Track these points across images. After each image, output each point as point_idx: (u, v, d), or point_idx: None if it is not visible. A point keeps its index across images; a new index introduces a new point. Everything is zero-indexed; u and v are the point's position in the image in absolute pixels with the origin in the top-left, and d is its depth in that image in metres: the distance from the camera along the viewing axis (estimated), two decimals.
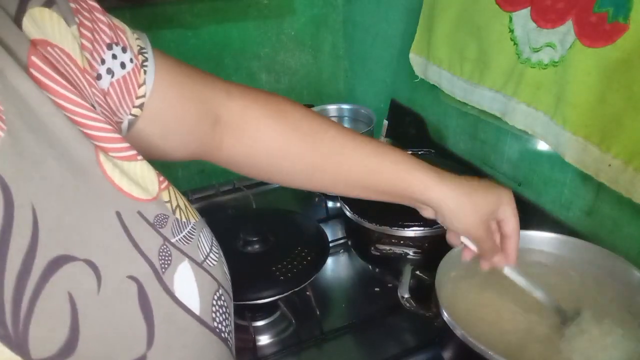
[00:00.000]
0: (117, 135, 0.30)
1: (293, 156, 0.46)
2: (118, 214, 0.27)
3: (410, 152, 0.88)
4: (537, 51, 0.64)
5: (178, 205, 0.34)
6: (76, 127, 0.28)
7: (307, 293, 0.72)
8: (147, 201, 0.30)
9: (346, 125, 1.09)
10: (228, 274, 0.37)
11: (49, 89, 0.27)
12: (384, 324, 0.71)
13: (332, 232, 0.90)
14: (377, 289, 0.77)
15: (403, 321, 0.71)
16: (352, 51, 1.24)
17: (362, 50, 1.18)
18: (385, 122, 1.09)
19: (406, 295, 0.61)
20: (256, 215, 0.93)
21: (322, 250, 0.75)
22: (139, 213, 0.29)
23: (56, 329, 0.22)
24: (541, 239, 0.64)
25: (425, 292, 0.60)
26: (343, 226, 0.89)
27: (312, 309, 0.71)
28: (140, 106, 0.38)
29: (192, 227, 0.34)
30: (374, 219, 0.72)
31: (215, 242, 0.37)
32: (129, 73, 0.36)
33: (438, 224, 0.69)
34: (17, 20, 0.28)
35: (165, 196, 0.33)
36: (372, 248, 0.73)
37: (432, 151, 0.91)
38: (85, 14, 0.34)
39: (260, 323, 0.72)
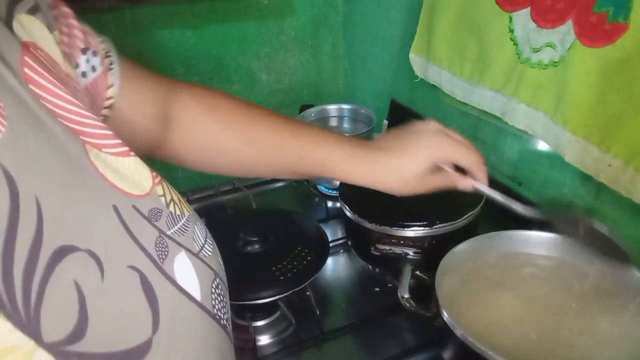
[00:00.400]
0: (110, 132, 0.31)
1: (225, 150, 0.50)
2: (115, 208, 0.28)
3: None
4: (537, 51, 0.64)
5: (172, 199, 0.34)
6: (67, 125, 0.28)
7: (307, 293, 0.72)
8: (140, 197, 0.31)
9: (346, 125, 1.09)
10: (222, 265, 0.38)
11: (43, 87, 0.28)
12: (384, 324, 0.71)
13: (332, 232, 0.89)
14: (377, 289, 0.77)
15: (403, 321, 0.71)
16: (352, 51, 1.24)
17: (362, 50, 1.18)
18: (385, 122, 1.09)
19: (406, 295, 0.61)
20: (256, 215, 0.93)
21: (322, 250, 0.75)
22: (134, 207, 0.30)
23: (66, 314, 0.23)
24: (541, 239, 0.64)
25: (425, 292, 0.60)
26: (343, 226, 0.89)
27: (312, 309, 0.71)
28: (110, 107, 0.40)
29: (186, 219, 0.34)
30: (374, 219, 0.72)
31: (209, 234, 0.37)
32: (99, 75, 0.39)
33: (438, 224, 0.70)
34: (8, 24, 0.29)
35: (159, 190, 0.33)
36: (372, 248, 0.73)
37: None
38: (62, 19, 0.36)
39: (260, 323, 0.72)
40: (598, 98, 0.56)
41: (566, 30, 0.59)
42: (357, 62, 1.23)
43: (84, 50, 0.37)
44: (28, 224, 0.22)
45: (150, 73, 0.46)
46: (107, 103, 0.40)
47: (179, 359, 0.27)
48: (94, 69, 0.38)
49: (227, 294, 0.37)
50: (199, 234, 0.35)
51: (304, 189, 1.05)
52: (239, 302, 0.69)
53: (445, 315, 0.53)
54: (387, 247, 0.72)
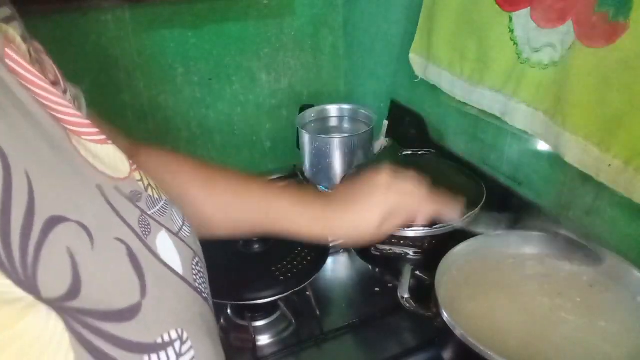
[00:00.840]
0: (87, 121, 0.32)
1: (192, 209, 0.49)
2: (99, 187, 0.29)
3: (410, 152, 0.90)
4: (537, 51, 0.64)
5: (149, 184, 0.36)
6: (49, 112, 0.29)
7: (307, 293, 0.72)
8: (121, 179, 0.32)
9: (346, 125, 1.09)
10: (200, 247, 0.39)
11: (25, 78, 0.29)
12: (384, 324, 0.71)
13: None
14: (377, 289, 0.77)
15: (403, 321, 0.71)
16: (352, 51, 1.24)
17: (362, 50, 1.18)
18: (385, 122, 1.09)
19: (406, 295, 0.61)
20: None
21: (322, 250, 0.75)
22: (116, 188, 0.31)
23: (61, 275, 0.24)
24: (541, 239, 0.64)
25: (425, 292, 0.60)
26: None
27: (312, 309, 0.71)
28: None
29: (164, 202, 0.36)
30: None
31: (186, 218, 0.38)
32: None
33: (438, 224, 0.70)
34: None
35: (137, 176, 0.35)
36: (372, 248, 0.73)
37: (432, 151, 0.91)
38: (36, 53, 0.36)
39: (260, 323, 0.72)
40: (598, 98, 0.56)
41: (566, 30, 0.59)
42: (357, 62, 1.23)
43: (53, 84, 0.36)
44: (21, 195, 0.23)
45: (113, 130, 0.45)
46: None
47: (167, 319, 0.29)
48: None
49: (207, 273, 0.39)
50: (176, 216, 0.36)
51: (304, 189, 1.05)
52: (239, 302, 0.69)
53: (445, 315, 0.53)
54: (387, 247, 0.72)
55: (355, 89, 1.27)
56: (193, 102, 1.16)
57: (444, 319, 0.53)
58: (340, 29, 1.23)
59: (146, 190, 0.34)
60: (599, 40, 0.55)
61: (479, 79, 0.76)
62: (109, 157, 0.32)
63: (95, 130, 0.32)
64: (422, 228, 0.69)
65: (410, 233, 0.70)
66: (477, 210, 0.70)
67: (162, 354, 0.27)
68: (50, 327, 0.23)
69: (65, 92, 0.38)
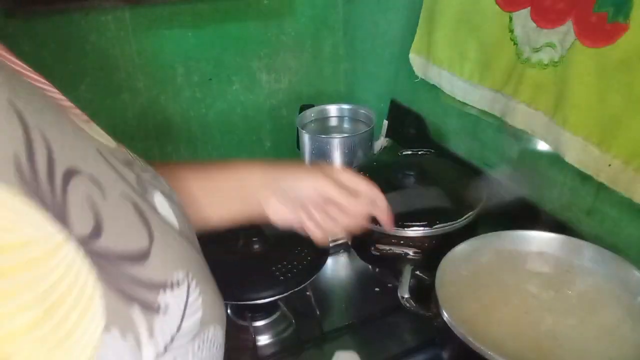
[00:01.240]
0: (75, 105, 0.34)
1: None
2: (99, 150, 0.31)
3: (410, 152, 0.90)
4: (537, 51, 0.64)
5: (135, 158, 0.38)
6: (44, 92, 0.31)
7: (307, 293, 0.72)
8: (113, 148, 0.35)
9: (346, 125, 1.09)
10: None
11: (16, 64, 0.30)
12: (384, 324, 0.71)
13: None
14: (377, 289, 0.77)
15: (403, 321, 0.71)
16: (352, 51, 1.24)
17: (362, 50, 1.18)
18: (385, 122, 1.09)
19: (406, 295, 0.61)
20: None
21: (322, 250, 0.75)
22: (112, 153, 0.33)
23: (85, 214, 0.26)
24: (541, 239, 0.64)
25: (425, 292, 0.60)
26: None
27: (312, 309, 0.71)
28: None
29: (152, 171, 0.38)
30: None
31: (172, 188, 0.41)
32: None
33: (438, 224, 0.70)
34: None
35: (123, 149, 0.37)
36: (372, 248, 0.73)
37: (432, 151, 0.91)
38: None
39: (260, 323, 0.72)
40: (598, 98, 0.56)
41: (566, 30, 0.59)
42: (357, 62, 1.23)
43: None
44: (41, 148, 0.25)
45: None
46: None
47: (174, 262, 0.32)
48: None
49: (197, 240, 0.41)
50: (164, 183, 0.39)
51: None
52: (239, 302, 0.69)
53: (445, 315, 0.53)
54: (387, 247, 0.72)
55: (355, 89, 1.27)
56: (193, 102, 1.16)
57: (444, 319, 0.53)
58: (340, 29, 1.23)
59: (135, 160, 0.37)
60: (598, 40, 0.55)
61: (479, 78, 0.76)
62: (98, 132, 0.34)
63: (82, 113, 0.34)
64: (422, 228, 0.69)
65: (410, 233, 0.70)
66: (477, 210, 0.70)
67: (176, 289, 0.30)
68: (77, 263, 0.24)
69: None
